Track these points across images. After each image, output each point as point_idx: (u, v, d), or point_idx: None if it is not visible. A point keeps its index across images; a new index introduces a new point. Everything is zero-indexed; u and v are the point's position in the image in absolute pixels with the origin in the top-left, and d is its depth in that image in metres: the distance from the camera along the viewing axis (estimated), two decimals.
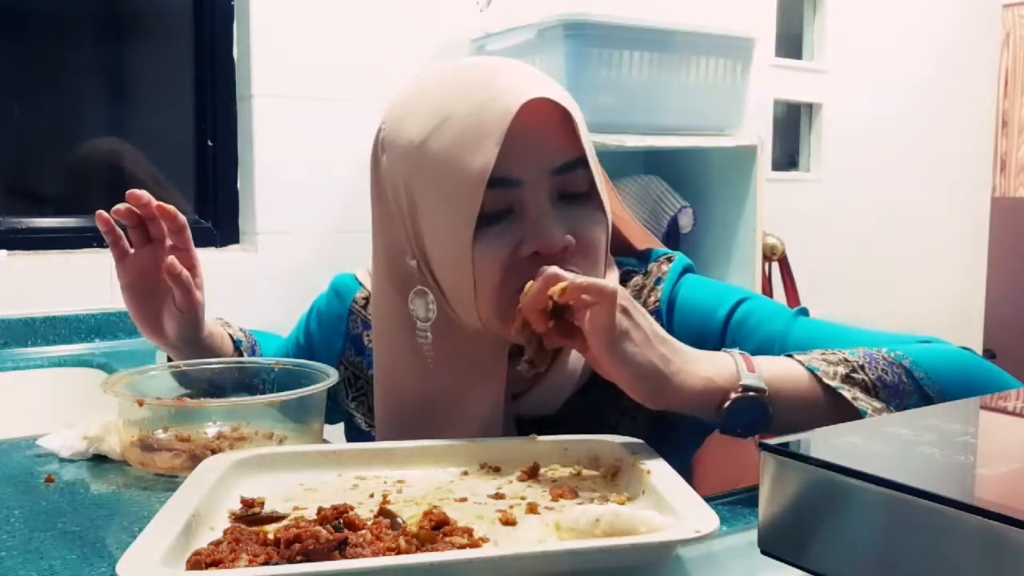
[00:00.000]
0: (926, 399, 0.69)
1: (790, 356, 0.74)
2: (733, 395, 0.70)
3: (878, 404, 0.69)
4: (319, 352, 1.03)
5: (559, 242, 0.75)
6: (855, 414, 0.68)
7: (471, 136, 0.73)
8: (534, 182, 0.75)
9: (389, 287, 0.83)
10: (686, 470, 0.95)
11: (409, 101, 0.79)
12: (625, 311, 0.70)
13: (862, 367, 0.71)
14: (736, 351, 0.74)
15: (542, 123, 0.75)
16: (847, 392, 0.69)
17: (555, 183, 0.76)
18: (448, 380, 0.81)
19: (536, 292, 0.70)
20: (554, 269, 0.70)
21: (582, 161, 0.77)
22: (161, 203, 0.92)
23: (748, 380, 0.70)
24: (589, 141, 0.80)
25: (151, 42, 1.88)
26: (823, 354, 0.73)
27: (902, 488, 0.39)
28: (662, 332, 0.72)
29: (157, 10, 1.86)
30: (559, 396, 0.84)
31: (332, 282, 1.04)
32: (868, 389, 0.70)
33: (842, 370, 0.71)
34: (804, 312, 0.83)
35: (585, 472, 0.71)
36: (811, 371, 0.71)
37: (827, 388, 0.70)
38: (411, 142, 0.77)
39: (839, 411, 0.69)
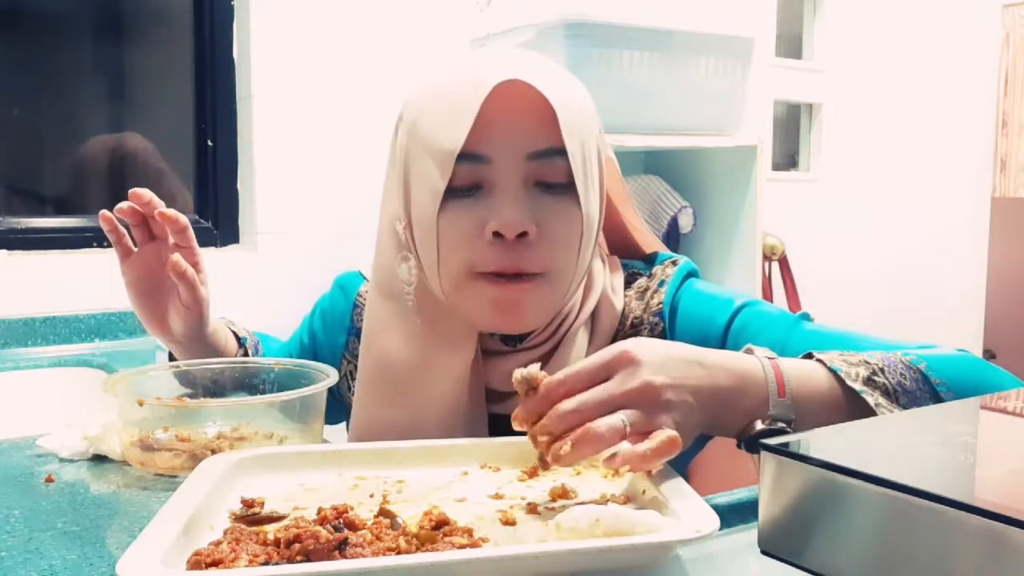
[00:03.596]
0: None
1: (811, 355, 0.73)
2: (759, 425, 0.67)
3: (898, 410, 0.68)
4: (323, 350, 1.03)
5: (519, 225, 0.76)
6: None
7: (450, 114, 0.76)
8: (506, 163, 0.77)
9: (385, 251, 0.87)
10: (684, 473, 0.96)
11: (423, 81, 0.84)
12: (661, 405, 0.64)
13: (882, 370, 0.69)
14: (765, 355, 0.70)
15: (524, 108, 0.76)
16: (870, 397, 0.68)
17: (530, 169, 0.77)
18: (418, 348, 0.84)
19: (574, 455, 0.62)
20: (594, 429, 0.61)
21: (561, 152, 0.77)
22: (163, 210, 0.92)
23: (777, 411, 0.67)
24: (587, 134, 0.79)
25: (151, 42, 1.88)
26: (841, 355, 0.72)
27: (902, 488, 0.39)
28: (694, 380, 0.66)
29: (157, 10, 1.86)
30: None
31: (336, 280, 1.05)
32: (889, 393, 0.68)
33: (863, 372, 0.69)
34: (806, 318, 0.83)
35: (585, 472, 0.71)
36: (833, 372, 0.70)
37: (849, 391, 0.69)
38: (411, 118, 0.81)
39: (858, 414, 0.68)
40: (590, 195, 0.80)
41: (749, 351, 0.72)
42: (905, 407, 0.68)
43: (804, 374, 0.70)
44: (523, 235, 0.76)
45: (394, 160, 0.85)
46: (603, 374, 0.65)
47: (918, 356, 0.72)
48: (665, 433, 0.62)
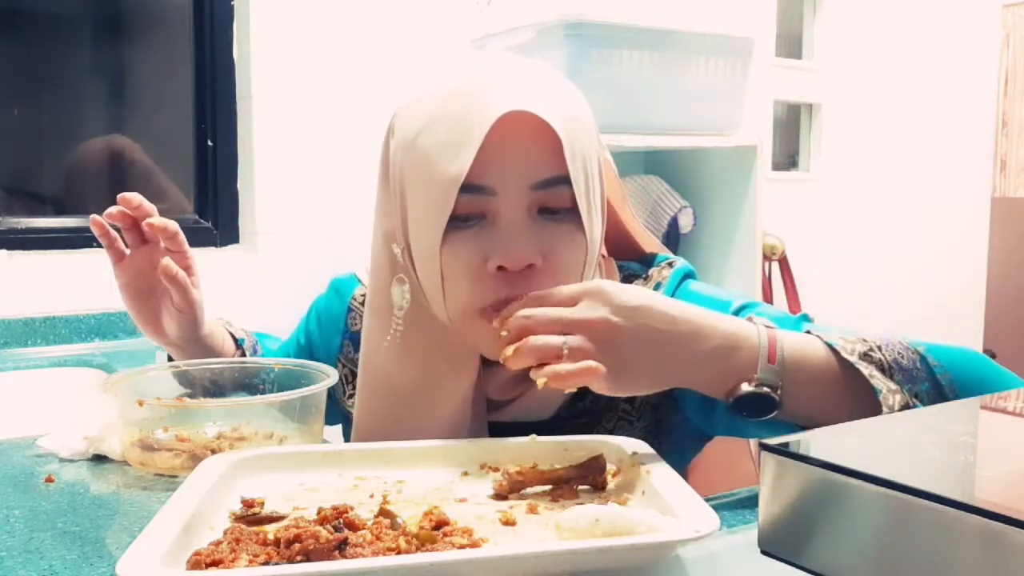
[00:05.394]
0: (937, 387, 0.69)
1: (809, 332, 0.73)
2: (745, 387, 0.69)
3: (892, 385, 0.68)
4: (318, 352, 1.03)
5: (525, 258, 0.74)
6: (869, 392, 0.67)
7: (452, 141, 0.73)
8: (510, 194, 0.74)
9: (380, 270, 0.84)
10: (684, 473, 0.96)
11: (418, 91, 0.80)
12: (611, 342, 0.68)
13: (879, 347, 0.70)
14: (763, 324, 0.72)
15: (528, 136, 0.73)
16: (864, 368, 0.68)
17: (534, 198, 0.75)
18: (419, 369, 0.82)
19: (517, 360, 0.68)
20: (532, 343, 0.66)
21: (565, 180, 0.75)
22: (151, 220, 0.92)
23: (764, 374, 0.69)
24: (589, 154, 0.77)
25: (151, 42, 1.88)
26: (841, 334, 0.73)
27: (902, 488, 0.39)
28: (664, 325, 0.69)
29: (157, 10, 1.86)
30: (553, 402, 0.84)
31: (332, 282, 1.05)
32: (884, 369, 0.69)
33: (860, 348, 0.70)
34: (806, 319, 0.83)
35: None
36: (829, 346, 0.70)
37: (844, 364, 0.69)
38: (407, 135, 0.77)
39: (853, 388, 0.68)
40: (593, 218, 0.78)
41: (750, 319, 0.73)
42: (901, 384, 0.68)
43: (801, 345, 0.71)
44: (531, 266, 0.75)
45: (387, 176, 0.82)
46: (573, 301, 0.70)
47: (919, 342, 0.72)
48: (588, 362, 0.65)
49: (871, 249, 2.85)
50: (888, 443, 0.51)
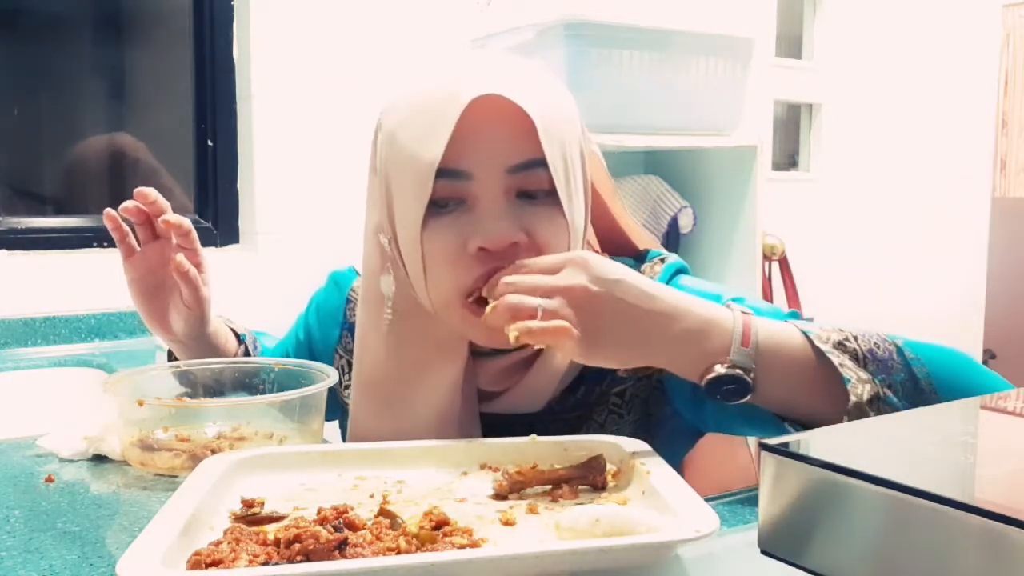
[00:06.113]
0: (913, 380, 0.69)
1: (788, 322, 0.74)
2: (718, 369, 0.69)
3: (864, 375, 0.68)
4: (318, 345, 1.04)
5: (506, 238, 0.75)
6: (839, 381, 0.68)
7: (428, 129, 0.75)
8: (487, 178, 0.75)
9: (371, 263, 0.86)
10: (679, 469, 0.96)
11: (404, 87, 0.81)
12: (587, 310, 0.69)
13: (855, 337, 0.71)
14: (739, 308, 0.73)
15: (502, 121, 0.75)
16: (835, 358, 0.69)
17: (512, 182, 0.76)
18: (409, 358, 0.83)
19: (494, 318, 0.70)
20: (509, 300, 0.69)
21: (541, 163, 0.75)
22: (167, 217, 0.93)
23: (737, 357, 0.69)
24: (568, 140, 0.78)
25: (151, 42, 1.88)
26: (820, 325, 0.74)
27: (902, 488, 0.39)
28: (640, 302, 0.70)
29: (157, 10, 1.86)
30: (544, 394, 0.84)
31: (331, 275, 1.06)
32: (857, 359, 0.69)
33: (835, 337, 0.70)
34: (795, 316, 0.83)
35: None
36: (804, 334, 0.71)
37: (817, 352, 0.70)
38: (391, 127, 0.79)
39: (827, 377, 0.69)
40: (573, 202, 0.79)
41: (728, 306, 0.74)
42: (874, 374, 0.68)
43: (776, 331, 0.72)
44: (514, 245, 0.75)
45: (375, 170, 0.83)
46: (556, 269, 0.71)
47: (899, 336, 0.72)
48: (560, 322, 0.67)
49: (871, 249, 2.84)
50: (888, 443, 0.51)
